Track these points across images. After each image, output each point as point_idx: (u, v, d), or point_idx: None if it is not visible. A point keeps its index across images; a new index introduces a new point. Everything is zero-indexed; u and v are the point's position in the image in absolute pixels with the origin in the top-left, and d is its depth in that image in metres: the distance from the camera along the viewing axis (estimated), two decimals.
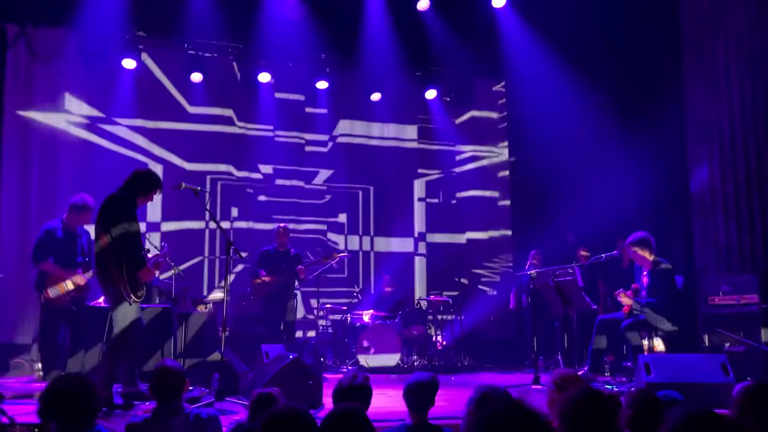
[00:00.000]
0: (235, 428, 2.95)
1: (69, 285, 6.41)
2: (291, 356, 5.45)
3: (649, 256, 6.64)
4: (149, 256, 5.74)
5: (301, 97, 10.54)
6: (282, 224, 8.58)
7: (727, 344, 6.71)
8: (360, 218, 10.83)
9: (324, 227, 10.55)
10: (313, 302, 9.31)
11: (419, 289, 10.64)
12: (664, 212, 8.72)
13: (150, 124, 9.72)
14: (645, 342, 6.62)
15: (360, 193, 10.86)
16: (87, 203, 6.55)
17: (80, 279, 6.44)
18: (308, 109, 10.61)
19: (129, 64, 9.18)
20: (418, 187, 11.14)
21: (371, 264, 10.68)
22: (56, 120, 9.10)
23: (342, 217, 10.69)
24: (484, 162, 11.35)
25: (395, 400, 4.80)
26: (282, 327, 8.21)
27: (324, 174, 10.66)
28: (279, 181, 10.36)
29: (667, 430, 2.15)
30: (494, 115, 11.44)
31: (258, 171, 10.30)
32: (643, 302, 6.57)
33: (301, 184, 10.48)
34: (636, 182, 8.89)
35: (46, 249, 6.49)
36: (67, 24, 8.81)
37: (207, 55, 9.61)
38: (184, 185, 5.64)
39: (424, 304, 9.32)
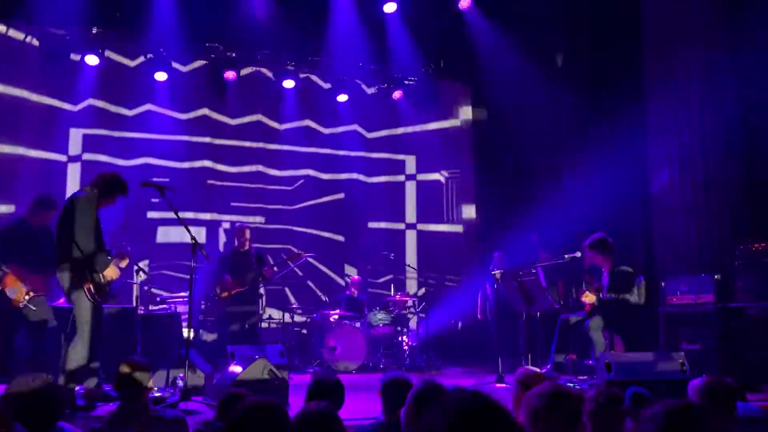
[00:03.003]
0: (203, 426, 2.94)
1: (34, 283, 6.29)
2: (257, 356, 5.44)
3: (607, 258, 6.77)
4: (111, 255, 5.64)
5: (268, 97, 10.53)
6: (242, 224, 8.54)
7: (684, 342, 6.88)
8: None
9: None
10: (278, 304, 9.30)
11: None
12: (624, 213, 8.89)
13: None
14: (605, 340, 6.75)
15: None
16: (52, 200, 6.43)
17: (42, 279, 6.31)
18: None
19: (92, 60, 9.04)
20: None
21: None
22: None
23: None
24: (450, 167, 11.47)
25: (362, 399, 4.83)
26: (247, 327, 8.16)
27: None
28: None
29: (652, 425, 2.21)
30: (459, 118, 11.55)
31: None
32: (604, 301, 6.70)
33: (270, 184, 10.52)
34: (597, 184, 9.04)
35: (7, 248, 6.34)
36: (28, 21, 8.64)
37: (173, 53, 9.52)
38: (149, 183, 5.58)
39: (390, 303, 9.34)
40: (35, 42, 8.79)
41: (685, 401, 2.31)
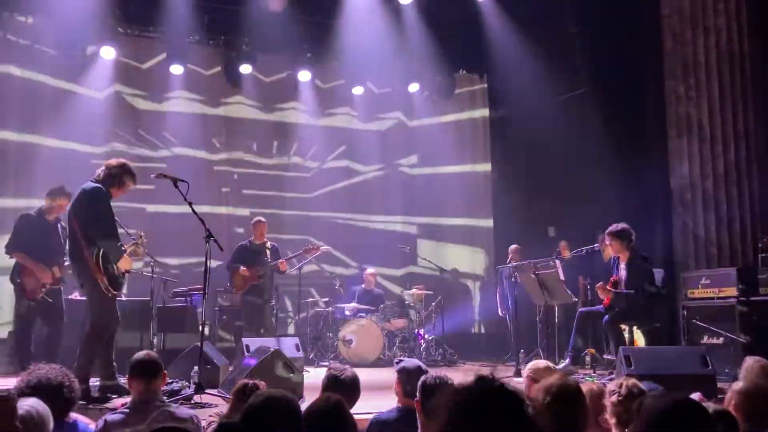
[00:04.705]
0: (217, 418, 2.91)
1: (45, 277, 6.29)
2: (271, 348, 5.41)
3: (627, 248, 6.66)
4: (126, 246, 5.64)
5: (283, 89, 10.49)
6: (258, 217, 8.51)
7: (705, 337, 6.77)
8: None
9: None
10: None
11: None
12: (643, 206, 8.76)
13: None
14: (626, 334, 6.65)
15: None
16: (64, 192, 6.43)
17: (56, 271, 6.32)
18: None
19: (107, 53, 9.05)
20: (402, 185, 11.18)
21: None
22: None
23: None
24: (467, 161, 11.40)
25: (377, 392, 4.78)
26: (262, 320, 8.13)
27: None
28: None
29: (650, 418, 2.13)
30: (476, 112, 11.45)
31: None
32: (622, 294, 6.59)
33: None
34: (616, 177, 8.93)
35: (22, 239, 6.36)
36: (43, 12, 8.66)
37: (187, 45, 9.51)
38: (162, 175, 5.54)
39: (406, 297, 9.28)
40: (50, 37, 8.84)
41: (686, 398, 2.20)
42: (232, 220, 10.08)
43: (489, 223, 11.16)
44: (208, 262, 5.49)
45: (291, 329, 9.75)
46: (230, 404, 3.34)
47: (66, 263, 6.27)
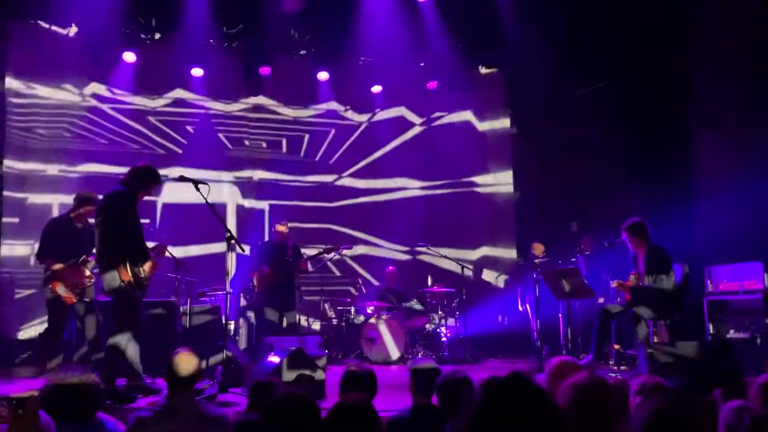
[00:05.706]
0: (236, 416, 2.93)
1: (80, 278, 6.42)
2: (294, 347, 5.45)
3: (643, 242, 6.61)
4: (150, 248, 5.72)
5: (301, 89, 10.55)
6: (280, 218, 8.59)
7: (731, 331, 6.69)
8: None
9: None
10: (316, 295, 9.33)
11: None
12: (667, 199, 8.67)
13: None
14: (649, 329, 6.58)
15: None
16: (91, 196, 6.55)
17: (87, 276, 6.43)
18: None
19: (129, 57, 9.17)
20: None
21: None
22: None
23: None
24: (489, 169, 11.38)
25: (399, 391, 4.79)
26: (285, 318, 8.19)
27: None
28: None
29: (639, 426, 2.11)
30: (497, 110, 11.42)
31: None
32: (642, 288, 6.53)
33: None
34: (639, 169, 8.84)
35: (53, 244, 6.48)
36: (69, 17, 8.80)
37: (208, 47, 9.60)
38: (184, 178, 5.62)
39: (428, 294, 9.27)
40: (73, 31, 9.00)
41: (675, 402, 2.18)
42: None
43: (512, 221, 11.10)
44: (229, 262, 5.55)
45: (314, 327, 9.79)
46: (248, 403, 3.37)
47: (91, 262, 6.40)
